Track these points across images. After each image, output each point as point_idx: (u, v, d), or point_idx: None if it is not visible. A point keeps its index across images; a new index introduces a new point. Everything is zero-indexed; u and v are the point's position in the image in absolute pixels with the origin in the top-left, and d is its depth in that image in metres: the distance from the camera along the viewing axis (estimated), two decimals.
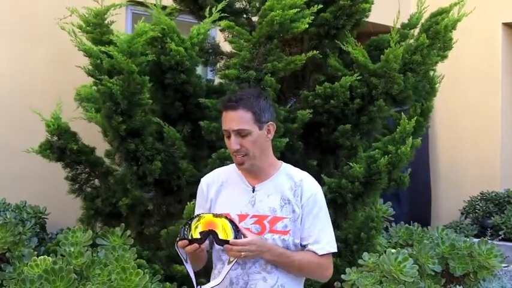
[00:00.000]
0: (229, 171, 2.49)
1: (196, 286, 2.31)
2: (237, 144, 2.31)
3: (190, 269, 2.32)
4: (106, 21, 4.64)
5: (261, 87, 4.10)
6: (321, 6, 4.36)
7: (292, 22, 4.16)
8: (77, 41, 4.29)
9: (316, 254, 2.35)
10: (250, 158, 2.33)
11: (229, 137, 2.33)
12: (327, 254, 2.38)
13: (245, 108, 2.30)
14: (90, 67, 4.45)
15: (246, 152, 2.32)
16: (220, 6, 4.43)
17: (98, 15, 4.61)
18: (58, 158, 4.58)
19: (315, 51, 4.38)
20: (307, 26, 4.20)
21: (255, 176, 2.40)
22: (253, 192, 2.39)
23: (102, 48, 4.03)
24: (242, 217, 2.36)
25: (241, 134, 2.30)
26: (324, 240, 2.37)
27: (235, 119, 2.30)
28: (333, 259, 4.43)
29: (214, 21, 4.50)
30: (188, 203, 3.82)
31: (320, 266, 2.38)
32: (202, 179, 2.53)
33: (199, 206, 2.50)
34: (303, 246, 2.39)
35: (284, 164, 2.48)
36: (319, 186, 2.46)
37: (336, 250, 2.41)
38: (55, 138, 4.52)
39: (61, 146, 4.51)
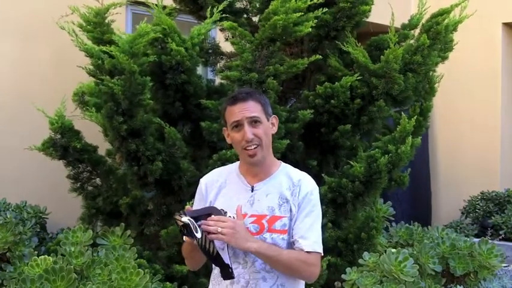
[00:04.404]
0: (228, 171, 2.48)
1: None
2: (251, 134, 2.31)
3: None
4: (106, 21, 4.64)
5: (262, 89, 4.11)
6: (325, 10, 4.36)
7: (295, 25, 4.16)
8: (78, 41, 4.29)
9: (303, 250, 2.33)
10: (262, 148, 2.34)
11: (239, 128, 2.33)
12: (314, 252, 2.35)
13: (254, 100, 2.35)
14: (91, 67, 4.45)
15: (259, 142, 2.33)
16: (221, 7, 4.43)
17: (98, 14, 4.61)
18: (61, 156, 4.58)
19: (317, 56, 4.38)
20: (310, 30, 4.20)
21: (255, 175, 2.40)
22: (252, 191, 2.39)
23: (104, 48, 4.03)
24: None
25: (255, 121, 2.32)
26: (311, 238, 2.35)
27: (248, 108, 2.33)
28: (333, 259, 4.48)
29: (215, 22, 4.50)
30: (188, 202, 3.82)
31: (307, 263, 2.33)
32: (201, 180, 2.52)
33: (198, 206, 2.50)
34: (292, 243, 2.37)
35: (283, 163, 2.48)
36: (317, 187, 2.45)
37: (321, 251, 2.38)
38: (58, 136, 4.52)
39: (64, 144, 4.51)
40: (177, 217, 2.22)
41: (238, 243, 2.24)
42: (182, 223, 2.20)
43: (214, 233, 2.20)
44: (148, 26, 4.12)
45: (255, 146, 2.32)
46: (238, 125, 2.33)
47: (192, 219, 2.20)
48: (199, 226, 2.20)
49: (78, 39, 4.29)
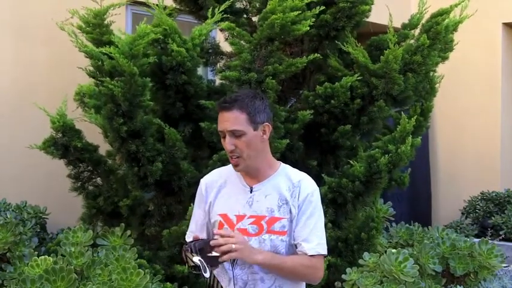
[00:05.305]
0: (228, 171, 2.48)
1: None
2: (231, 145, 2.30)
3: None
4: (106, 22, 4.64)
5: (261, 89, 4.10)
6: (323, 8, 4.35)
7: (293, 24, 4.15)
8: (78, 43, 4.28)
9: (306, 254, 2.33)
10: (244, 159, 2.32)
11: (224, 137, 2.34)
12: (317, 255, 2.35)
13: (239, 109, 2.30)
14: (91, 68, 4.45)
15: (240, 154, 2.31)
16: (223, 7, 4.43)
17: (97, 15, 4.61)
18: (61, 155, 4.57)
19: (315, 54, 4.37)
20: (308, 28, 4.19)
21: (253, 177, 2.40)
22: (251, 192, 2.38)
23: (103, 50, 4.02)
24: (239, 218, 2.36)
25: (236, 134, 2.30)
26: (314, 241, 2.34)
27: (230, 120, 2.30)
28: (333, 259, 4.48)
29: (215, 22, 4.50)
30: (192, 204, 3.82)
31: (311, 267, 2.34)
32: (201, 180, 2.53)
33: (198, 206, 2.51)
34: (294, 246, 2.37)
35: (283, 164, 2.47)
36: (317, 188, 2.44)
37: (326, 253, 2.38)
38: (59, 135, 4.51)
39: (65, 143, 4.50)
40: (189, 254, 2.23)
41: (248, 256, 2.25)
42: (193, 263, 2.22)
43: (226, 253, 2.19)
44: (148, 26, 4.10)
45: (236, 157, 2.32)
46: (223, 134, 2.34)
47: (202, 260, 2.21)
48: (208, 265, 2.22)
49: (78, 40, 4.29)
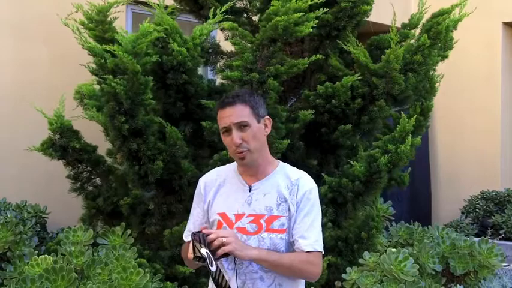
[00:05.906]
0: (227, 170, 2.49)
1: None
2: (239, 138, 2.31)
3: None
4: (108, 19, 4.64)
5: (263, 89, 4.10)
6: (326, 9, 4.35)
7: (296, 26, 4.16)
8: (82, 39, 4.28)
9: (303, 251, 2.33)
10: (251, 152, 2.34)
11: (228, 132, 2.34)
12: (315, 252, 2.35)
13: (243, 103, 2.34)
14: (94, 66, 4.45)
15: (248, 147, 2.33)
16: (224, 8, 4.43)
17: (100, 11, 4.61)
18: (60, 156, 4.58)
19: (318, 55, 4.38)
20: (311, 30, 4.19)
21: (252, 174, 2.41)
22: (249, 191, 2.39)
23: (107, 47, 4.02)
24: (238, 216, 2.37)
25: (242, 126, 2.32)
26: (311, 237, 2.35)
27: (235, 113, 2.32)
28: (333, 258, 4.48)
29: (216, 22, 4.50)
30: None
31: (309, 263, 2.34)
32: (200, 179, 2.53)
33: (197, 205, 2.51)
34: (292, 243, 2.37)
35: (282, 163, 2.48)
36: (315, 186, 2.44)
37: (322, 250, 2.39)
38: (57, 136, 4.51)
39: (63, 144, 4.50)
40: (197, 244, 2.22)
41: (241, 250, 2.24)
42: (200, 254, 2.21)
43: (219, 247, 2.19)
44: (151, 25, 4.11)
45: (243, 150, 2.33)
46: (227, 130, 2.34)
47: (209, 253, 2.20)
48: (214, 260, 2.21)
49: (82, 37, 4.28)
